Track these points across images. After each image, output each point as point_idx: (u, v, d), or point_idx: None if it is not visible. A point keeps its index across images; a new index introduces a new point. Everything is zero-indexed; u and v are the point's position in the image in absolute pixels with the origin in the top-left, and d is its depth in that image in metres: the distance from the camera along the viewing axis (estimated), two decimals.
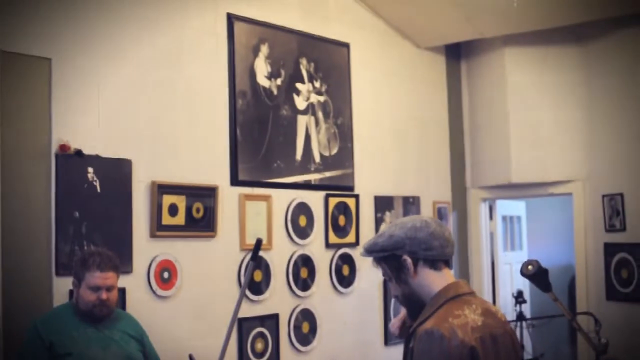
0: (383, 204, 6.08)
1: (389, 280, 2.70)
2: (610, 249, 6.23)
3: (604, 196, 6.27)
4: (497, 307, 2.71)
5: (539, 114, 6.61)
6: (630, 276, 6.01)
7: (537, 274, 2.95)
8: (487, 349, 2.46)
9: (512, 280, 7.18)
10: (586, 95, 6.51)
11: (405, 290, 2.63)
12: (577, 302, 6.62)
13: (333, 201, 5.57)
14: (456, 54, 7.14)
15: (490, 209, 7.23)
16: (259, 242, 3.36)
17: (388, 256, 2.62)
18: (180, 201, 4.52)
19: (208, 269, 4.72)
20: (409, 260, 2.57)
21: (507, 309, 7.14)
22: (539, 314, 6.78)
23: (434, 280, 2.59)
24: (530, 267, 2.95)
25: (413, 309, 2.64)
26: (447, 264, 2.66)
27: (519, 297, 6.61)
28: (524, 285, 7.11)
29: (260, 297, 4.98)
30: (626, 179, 6.12)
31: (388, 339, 5.96)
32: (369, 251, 2.67)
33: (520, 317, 6.54)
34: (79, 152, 4.04)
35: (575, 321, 2.85)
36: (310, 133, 5.44)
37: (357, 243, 5.72)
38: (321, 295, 5.45)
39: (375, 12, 6.21)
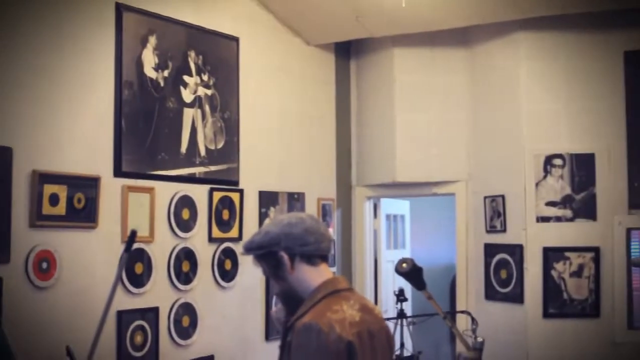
0: (268, 199, 6.33)
1: (269, 277, 2.87)
2: (490, 250, 6.66)
3: (485, 197, 6.70)
4: (373, 303, 2.97)
5: (426, 115, 6.98)
6: (508, 277, 6.45)
7: (411, 272, 3.10)
8: (364, 344, 2.64)
9: (394, 278, 7.45)
10: (471, 97, 6.91)
11: (283, 287, 2.80)
12: (457, 301, 7.03)
13: (217, 195, 5.78)
14: (346, 52, 7.43)
15: (375, 207, 7.57)
16: (133, 234, 3.42)
17: (265, 253, 2.78)
18: (62, 191, 4.60)
19: (88, 260, 4.80)
20: (285, 257, 2.74)
21: (388, 306, 7.48)
22: (421, 312, 7.21)
23: (312, 276, 2.77)
24: (404, 265, 3.10)
25: (291, 305, 2.79)
26: (325, 259, 2.83)
27: (400, 295, 6.93)
28: (406, 283, 7.51)
29: (141, 290, 5.10)
30: (508, 181, 6.53)
31: (269, 334, 6.19)
32: (247, 249, 2.83)
33: (401, 314, 6.90)
34: None
35: (448, 319, 3.14)
36: (197, 126, 5.62)
37: (240, 238, 5.92)
38: (203, 289, 5.61)
39: (266, 8, 6.43)
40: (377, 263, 7.59)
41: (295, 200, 6.70)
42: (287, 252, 2.76)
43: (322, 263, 2.82)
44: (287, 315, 2.84)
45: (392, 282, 7.49)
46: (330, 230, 7.13)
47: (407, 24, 6.56)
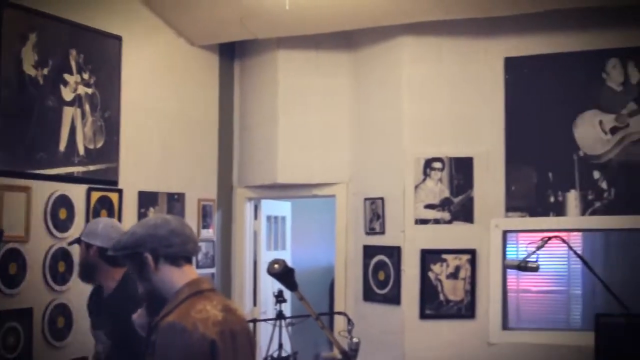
0: (147, 199, 6.46)
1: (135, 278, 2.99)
2: (369, 251, 6.93)
3: (365, 199, 6.96)
4: (236, 304, 3.15)
5: (308, 117, 7.21)
6: (386, 278, 6.73)
7: (283, 273, 3.20)
8: (227, 343, 2.80)
9: (273, 280, 7.73)
10: (354, 100, 7.17)
11: (147, 287, 2.95)
12: (336, 303, 7.27)
13: (95, 195, 5.87)
14: (230, 53, 7.60)
15: (256, 208, 7.76)
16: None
17: (131, 254, 2.92)
18: None
19: None
20: (149, 257, 2.89)
21: (267, 307, 7.77)
22: (300, 313, 7.51)
23: (176, 277, 2.93)
24: (276, 265, 3.18)
25: (155, 306, 2.94)
26: (189, 260, 2.99)
27: (279, 297, 7.11)
28: None
29: (15, 291, 5.15)
30: (387, 183, 6.80)
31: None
32: (114, 249, 2.97)
33: (280, 315, 7.17)
34: None
35: (320, 320, 3.33)
36: (76, 125, 5.71)
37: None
38: (79, 290, 5.54)
39: (149, 7, 6.54)
40: (257, 264, 7.75)
41: (175, 200, 6.83)
42: (152, 253, 2.90)
43: (187, 264, 2.99)
44: (151, 316, 2.98)
45: (271, 283, 7.62)
46: (211, 231, 7.33)
47: (291, 26, 6.75)
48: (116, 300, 4.33)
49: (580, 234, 6.80)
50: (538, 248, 5.29)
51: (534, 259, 5.27)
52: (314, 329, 7.41)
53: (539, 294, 7.04)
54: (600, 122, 6.41)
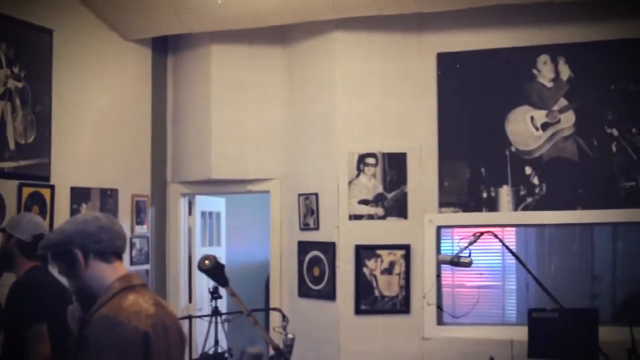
0: (80, 195, 6.49)
1: (64, 276, 3.05)
2: (303, 247, 7.05)
3: (300, 195, 7.08)
4: (165, 301, 3.25)
5: (242, 112, 7.28)
6: (321, 274, 6.86)
7: (213, 269, 3.28)
8: (159, 335, 2.90)
9: None
10: (288, 95, 7.27)
11: (78, 284, 3.01)
12: (271, 298, 7.37)
13: (27, 191, 5.87)
14: (163, 47, 7.65)
15: (190, 204, 7.83)
16: None
17: (61, 251, 2.98)
18: None
19: None
20: (79, 254, 2.96)
21: (203, 304, 7.89)
22: (237, 310, 7.62)
23: (106, 272, 3.00)
24: (207, 261, 3.22)
25: (87, 302, 3.00)
26: (119, 256, 3.07)
27: (214, 293, 7.15)
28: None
29: None
30: (322, 179, 6.92)
31: None
32: (44, 247, 3.03)
33: (216, 312, 7.21)
34: None
35: (252, 317, 3.40)
36: (6, 119, 5.72)
37: None
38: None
39: (82, 1, 6.58)
40: (192, 260, 7.82)
41: (109, 196, 6.87)
42: (82, 249, 2.97)
43: (117, 260, 3.07)
44: (83, 312, 3.03)
45: (206, 280, 7.63)
46: (145, 227, 7.39)
47: (224, 21, 6.80)
48: (9, 292, 4.52)
49: (514, 229, 6.99)
50: (470, 243, 5.42)
51: (467, 254, 5.40)
52: (250, 325, 7.58)
53: (474, 289, 7.21)
54: (532, 118, 6.62)
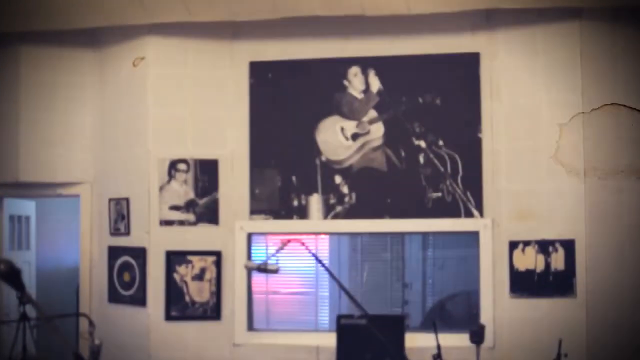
0: None
1: None
2: (114, 253, 7.09)
3: (110, 200, 7.12)
4: None
5: (52, 114, 7.28)
6: (132, 279, 6.93)
7: (8, 274, 3.37)
8: None
9: None
10: (99, 99, 7.31)
11: None
12: (80, 304, 7.38)
13: None
14: None
15: None
16: None
17: None
18: None
19: None
20: None
21: (11, 309, 7.78)
22: (49, 314, 7.57)
23: None
24: (1, 266, 3.38)
25: None
26: None
27: (22, 298, 7.31)
28: (30, 284, 7.86)
29: None
30: (133, 184, 6.98)
31: None
32: None
33: (24, 317, 7.25)
34: None
35: (52, 323, 3.43)
36: None
37: None
38: None
39: None
40: None
41: None
42: None
43: None
44: None
45: None
46: None
47: (33, 22, 6.80)
48: None
49: (328, 237, 7.28)
50: (277, 251, 5.59)
51: (275, 261, 5.56)
52: (66, 331, 7.56)
53: (288, 295, 7.45)
54: (342, 129, 6.88)
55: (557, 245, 6.44)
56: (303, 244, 5.61)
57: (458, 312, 8.02)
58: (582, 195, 6.43)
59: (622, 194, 6.32)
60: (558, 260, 6.45)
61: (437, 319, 7.11)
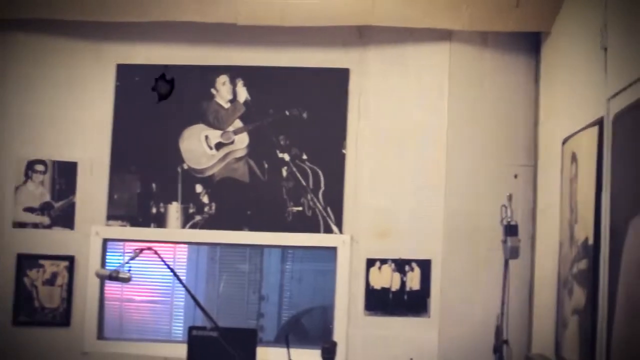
0: None
1: None
2: None
3: None
4: None
5: None
6: None
7: None
8: None
9: None
10: None
11: None
12: None
13: None
14: None
15: None
16: None
17: None
18: None
19: None
20: None
21: None
22: None
23: None
24: None
25: None
26: None
27: None
28: None
29: None
30: None
31: None
32: None
33: None
34: None
35: None
36: None
37: None
38: None
39: None
40: None
41: None
42: None
43: None
44: None
45: None
46: None
47: None
48: None
49: (187, 246, 7.37)
50: (131, 259, 5.58)
51: (128, 269, 5.54)
52: None
53: (143, 304, 7.50)
54: (207, 137, 6.97)
55: (414, 264, 6.66)
56: (156, 252, 5.62)
57: (313, 327, 8.20)
58: (441, 216, 6.67)
59: (479, 217, 6.57)
60: (414, 280, 6.66)
61: (292, 333, 7.27)
